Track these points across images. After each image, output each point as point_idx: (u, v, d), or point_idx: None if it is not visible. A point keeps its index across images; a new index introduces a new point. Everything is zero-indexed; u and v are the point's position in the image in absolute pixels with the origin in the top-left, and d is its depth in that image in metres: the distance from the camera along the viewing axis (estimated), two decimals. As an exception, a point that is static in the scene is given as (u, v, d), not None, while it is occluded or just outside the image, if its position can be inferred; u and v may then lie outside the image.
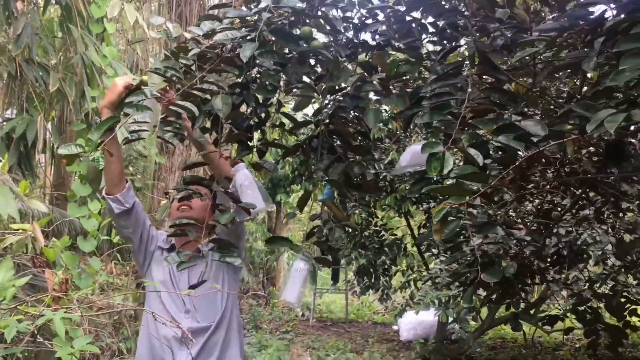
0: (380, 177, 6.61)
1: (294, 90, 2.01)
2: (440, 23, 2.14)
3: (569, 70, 1.77)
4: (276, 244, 2.14)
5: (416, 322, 8.29)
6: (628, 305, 3.70)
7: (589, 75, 1.59)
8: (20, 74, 4.07)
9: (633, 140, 2.45)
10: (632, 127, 2.27)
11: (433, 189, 1.56)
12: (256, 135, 2.33)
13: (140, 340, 2.42)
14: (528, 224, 3.98)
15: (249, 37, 1.82)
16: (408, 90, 2.06)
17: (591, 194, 3.90)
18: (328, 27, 2.15)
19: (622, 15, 1.40)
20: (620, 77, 1.25)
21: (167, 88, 1.90)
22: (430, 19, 2.21)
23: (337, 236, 1.95)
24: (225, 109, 1.87)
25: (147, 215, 2.45)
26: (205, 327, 2.33)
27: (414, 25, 2.17)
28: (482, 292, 4.07)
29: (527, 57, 1.96)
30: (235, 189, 2.12)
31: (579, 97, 2.60)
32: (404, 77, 2.14)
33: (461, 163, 1.78)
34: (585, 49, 1.60)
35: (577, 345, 8.50)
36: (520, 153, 1.61)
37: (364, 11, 2.24)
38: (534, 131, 1.54)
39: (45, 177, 6.58)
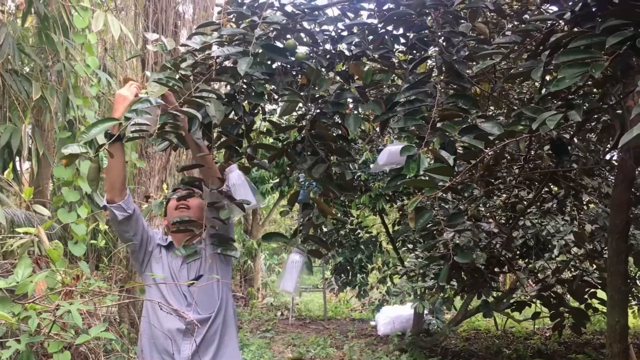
0: (355, 177, 6.85)
1: (281, 97, 2.22)
2: (411, 35, 2.38)
3: (522, 78, 2.01)
4: (272, 240, 2.35)
5: (393, 316, 8.56)
6: (588, 289, 3.98)
7: (537, 81, 1.84)
8: (2, 84, 4.17)
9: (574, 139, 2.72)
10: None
11: (408, 182, 1.79)
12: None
13: (142, 334, 2.57)
14: (496, 217, 4.25)
15: (244, 51, 2.01)
16: (383, 96, 2.29)
17: (554, 188, 4.20)
18: (309, 40, 2.38)
19: (561, 35, 1.65)
20: (561, 83, 1.50)
21: (168, 95, 2.08)
22: (402, 30, 2.44)
23: (328, 230, 2.18)
24: (218, 115, 2.07)
25: (144, 219, 2.61)
26: (205, 318, 2.51)
27: (386, 37, 2.40)
28: (455, 283, 4.33)
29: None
30: (229, 188, 2.32)
31: (536, 95, 2.88)
32: (379, 85, 2.38)
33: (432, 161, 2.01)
34: (535, 60, 1.85)
35: (547, 334, 8.86)
36: (484, 149, 1.84)
37: (340, 24, 2.46)
38: (491, 131, 1.79)
39: (21, 184, 6.65)
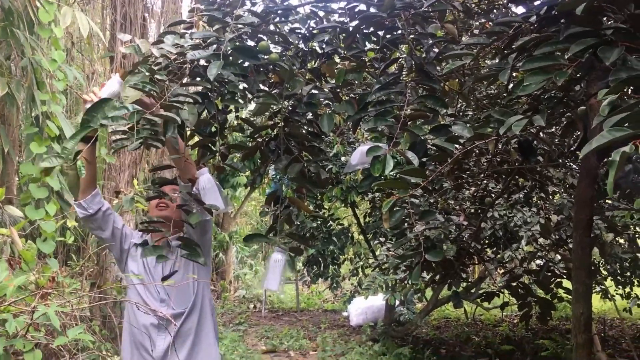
0: (327, 170, 6.89)
1: (256, 98, 2.23)
2: (381, 34, 2.41)
3: (491, 79, 2.07)
4: (253, 241, 2.37)
5: (365, 307, 8.66)
6: (554, 279, 4.10)
7: (504, 82, 1.89)
8: (-34, 80, 4.08)
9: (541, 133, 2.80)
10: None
11: (380, 184, 1.83)
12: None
13: (124, 330, 2.63)
14: (466, 210, 4.34)
15: (216, 54, 2.02)
16: (355, 95, 2.33)
17: (521, 180, 4.30)
18: (281, 40, 2.40)
19: (527, 39, 1.71)
20: (527, 89, 1.55)
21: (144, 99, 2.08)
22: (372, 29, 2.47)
23: (309, 227, 2.22)
24: (192, 119, 2.08)
25: (118, 216, 2.62)
26: (179, 313, 2.56)
27: (358, 35, 2.43)
28: (426, 275, 4.41)
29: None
30: (198, 191, 2.33)
31: (505, 95, 2.96)
32: (351, 85, 2.41)
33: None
34: (502, 61, 1.91)
35: (515, 322, 9.07)
36: (455, 149, 1.90)
37: (312, 23, 2.48)
38: (461, 133, 1.84)
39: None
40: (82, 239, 6.04)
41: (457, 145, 2.17)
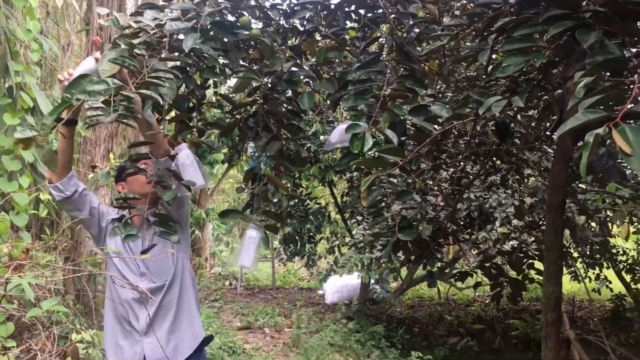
0: (305, 148, 6.88)
1: (235, 74, 2.21)
2: (362, 12, 2.40)
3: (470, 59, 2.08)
4: (228, 217, 2.37)
5: (340, 285, 8.75)
6: (526, 260, 4.17)
7: (483, 63, 1.91)
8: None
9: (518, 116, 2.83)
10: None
11: (358, 162, 1.84)
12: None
13: (106, 305, 2.65)
14: (443, 190, 4.38)
15: (193, 27, 1.99)
16: (336, 74, 2.32)
17: (498, 162, 4.35)
18: (261, 15, 2.37)
19: (507, 20, 1.72)
20: (506, 70, 1.57)
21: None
22: (354, 7, 2.46)
23: (285, 205, 2.22)
24: (170, 94, 2.06)
25: (94, 195, 2.60)
26: (160, 286, 2.59)
27: (339, 13, 2.42)
28: (401, 254, 4.46)
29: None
30: (177, 167, 2.32)
31: (484, 77, 2.97)
32: (332, 63, 2.41)
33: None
34: (482, 42, 1.92)
35: (487, 302, 9.25)
36: (433, 129, 1.91)
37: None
38: (440, 113, 1.85)
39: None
40: (56, 212, 5.97)
41: (435, 126, 2.19)
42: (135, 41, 2.05)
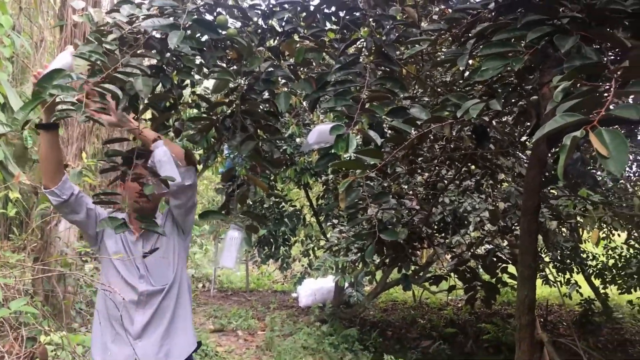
0: (281, 151, 6.87)
1: (211, 74, 2.19)
2: (342, 14, 2.40)
3: (448, 64, 2.09)
4: (208, 218, 2.35)
5: (315, 288, 8.73)
6: (500, 264, 4.22)
7: (462, 68, 1.92)
8: None
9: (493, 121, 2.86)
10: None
11: (336, 163, 1.84)
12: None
13: (97, 305, 2.61)
14: (418, 194, 4.40)
15: (175, 24, 1.97)
16: (314, 75, 2.32)
17: (473, 167, 4.39)
18: (240, 15, 2.36)
19: (485, 25, 1.73)
20: (485, 74, 1.58)
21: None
22: (334, 9, 2.46)
23: (259, 209, 2.21)
24: (145, 90, 2.03)
25: (88, 197, 2.56)
26: (159, 290, 2.56)
27: (318, 15, 2.41)
28: (377, 257, 4.47)
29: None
30: (154, 164, 2.29)
31: (461, 82, 3.00)
32: (310, 64, 2.40)
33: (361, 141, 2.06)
34: (460, 47, 1.93)
35: (460, 305, 9.32)
36: (411, 132, 1.92)
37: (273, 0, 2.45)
38: (419, 116, 1.86)
39: None
40: (25, 212, 5.85)
41: (413, 130, 2.20)
42: (109, 37, 2.02)
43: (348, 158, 2.23)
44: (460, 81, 2.53)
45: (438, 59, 2.24)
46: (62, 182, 2.40)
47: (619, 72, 1.27)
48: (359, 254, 4.78)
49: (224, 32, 2.18)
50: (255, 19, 2.44)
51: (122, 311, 2.49)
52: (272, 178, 7.89)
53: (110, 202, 2.21)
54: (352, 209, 2.35)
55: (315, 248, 8.30)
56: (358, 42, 2.37)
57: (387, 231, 2.16)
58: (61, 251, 5.95)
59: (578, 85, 1.41)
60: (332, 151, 1.88)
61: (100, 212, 2.61)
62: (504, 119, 4.22)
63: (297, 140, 6.96)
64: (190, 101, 3.12)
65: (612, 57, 1.82)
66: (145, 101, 2.23)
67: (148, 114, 2.63)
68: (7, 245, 6.60)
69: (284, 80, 2.59)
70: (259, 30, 2.46)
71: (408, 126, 1.84)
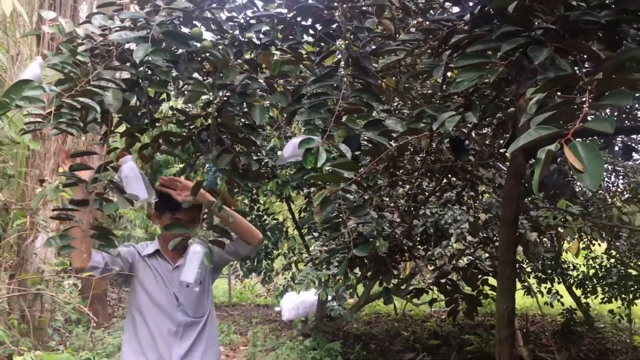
0: (262, 164, 6.83)
1: (184, 86, 2.15)
2: (319, 27, 2.39)
3: (425, 75, 2.08)
4: (173, 230, 2.31)
5: (297, 302, 8.66)
6: (481, 276, 4.21)
7: (438, 80, 1.91)
8: None
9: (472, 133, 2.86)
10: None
11: (312, 177, 1.81)
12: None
13: (127, 334, 2.57)
14: (399, 207, 4.38)
15: (143, 37, 1.93)
16: (290, 87, 2.29)
17: (453, 179, 4.39)
18: (215, 27, 2.33)
19: (461, 36, 1.72)
20: (460, 85, 1.56)
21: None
22: (310, 22, 2.44)
23: (249, 219, 2.18)
24: (116, 104, 1.98)
25: (118, 250, 2.50)
26: (197, 321, 2.59)
27: (295, 27, 2.39)
28: (358, 271, 4.44)
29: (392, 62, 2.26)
30: (120, 179, 2.23)
31: (439, 93, 3.00)
32: (287, 76, 2.38)
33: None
34: (437, 58, 1.92)
35: (443, 317, 9.31)
36: (388, 144, 1.90)
37: (249, 12, 2.43)
38: (394, 128, 1.84)
39: None
40: (2, 227, 5.73)
41: (392, 142, 2.19)
42: (81, 48, 1.98)
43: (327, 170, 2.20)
44: (439, 94, 2.53)
45: (415, 70, 2.23)
46: (94, 256, 2.40)
47: (593, 84, 1.26)
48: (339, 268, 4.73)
49: (198, 45, 2.15)
50: (231, 31, 2.41)
51: (158, 341, 2.49)
52: (254, 191, 7.85)
53: (68, 217, 2.13)
54: (329, 222, 2.32)
55: (298, 261, 8.24)
56: (335, 54, 2.35)
57: (361, 246, 2.13)
58: (38, 268, 5.84)
59: (553, 97, 1.40)
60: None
61: (130, 251, 2.62)
62: (483, 131, 4.23)
63: (279, 153, 6.93)
64: (170, 115, 3.08)
65: (587, 69, 1.83)
66: (116, 115, 2.19)
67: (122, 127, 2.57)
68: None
69: (261, 93, 2.56)
70: (236, 43, 2.43)
71: (384, 138, 1.82)
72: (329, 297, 6.84)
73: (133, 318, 2.57)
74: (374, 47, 2.22)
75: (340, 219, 2.16)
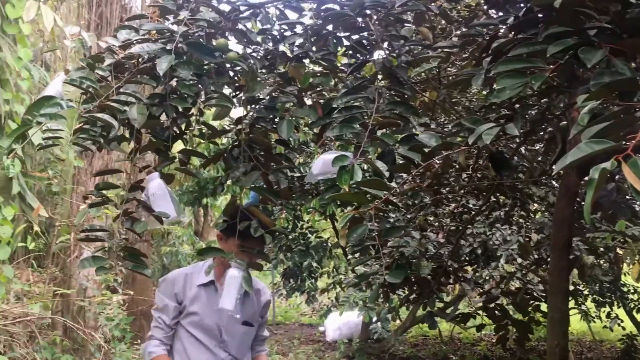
0: (305, 181, 6.73)
1: (207, 101, 2.06)
2: (354, 37, 2.26)
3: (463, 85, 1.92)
4: (208, 254, 2.21)
5: (341, 322, 8.46)
6: (532, 301, 3.96)
7: (481, 90, 1.75)
8: None
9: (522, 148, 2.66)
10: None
11: (334, 196, 1.66)
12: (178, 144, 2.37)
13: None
14: (444, 226, 4.19)
15: (166, 49, 1.85)
16: (321, 100, 2.17)
17: (502, 198, 4.17)
18: (244, 40, 2.23)
19: (503, 41, 1.56)
20: (502, 94, 1.40)
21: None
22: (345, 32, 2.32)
23: (268, 243, 2.07)
24: (140, 119, 1.91)
25: (171, 309, 2.49)
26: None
27: (329, 38, 2.27)
28: (401, 293, 4.25)
29: (434, 71, 2.11)
30: (147, 197, 2.15)
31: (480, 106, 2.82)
32: (318, 89, 2.25)
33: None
34: (477, 66, 1.75)
35: (493, 341, 8.93)
36: (418, 161, 1.74)
37: (282, 24, 2.33)
38: (428, 142, 1.68)
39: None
40: (45, 244, 5.81)
41: (433, 158, 2.03)
42: (104, 64, 1.92)
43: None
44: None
45: (452, 80, 2.07)
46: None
47: (656, 89, 1.08)
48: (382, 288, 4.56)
49: (223, 56, 2.06)
50: (263, 43, 2.32)
51: None
52: (298, 209, 7.75)
53: (98, 239, 2.07)
54: (360, 245, 2.16)
55: (338, 282, 8.09)
56: (368, 64, 2.22)
57: (395, 271, 1.96)
58: (81, 284, 5.87)
59: (609, 105, 1.22)
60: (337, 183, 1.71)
61: (178, 291, 2.52)
62: (535, 147, 4.00)
63: (306, 175, 6.81)
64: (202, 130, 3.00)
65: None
66: (142, 130, 2.11)
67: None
68: (35, 276, 6.55)
69: (293, 107, 2.45)
70: (269, 56, 2.34)
71: (416, 154, 1.66)
72: (374, 319, 6.64)
73: (177, 348, 2.49)
74: (410, 56, 2.08)
75: (372, 242, 2.00)
